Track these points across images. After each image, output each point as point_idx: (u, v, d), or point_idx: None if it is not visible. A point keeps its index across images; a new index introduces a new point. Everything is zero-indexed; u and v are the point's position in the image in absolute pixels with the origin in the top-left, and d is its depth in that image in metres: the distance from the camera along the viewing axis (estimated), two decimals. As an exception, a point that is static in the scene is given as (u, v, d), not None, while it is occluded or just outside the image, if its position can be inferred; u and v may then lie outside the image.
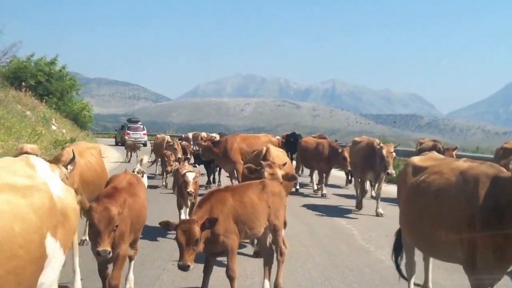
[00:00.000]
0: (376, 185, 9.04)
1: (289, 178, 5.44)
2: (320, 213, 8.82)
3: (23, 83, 23.48)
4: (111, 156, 21.36)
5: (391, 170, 8.30)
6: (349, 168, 10.92)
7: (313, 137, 13.44)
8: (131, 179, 4.34)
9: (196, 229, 3.64)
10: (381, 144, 8.65)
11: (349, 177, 12.73)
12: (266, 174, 5.07)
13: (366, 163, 8.88)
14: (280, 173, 5.16)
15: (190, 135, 19.62)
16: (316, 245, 6.41)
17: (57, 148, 16.30)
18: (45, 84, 28.14)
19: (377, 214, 8.60)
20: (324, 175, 11.40)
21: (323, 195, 10.91)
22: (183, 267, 3.53)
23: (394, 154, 8.67)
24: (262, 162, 5.35)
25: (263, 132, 19.31)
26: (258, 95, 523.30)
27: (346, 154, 10.65)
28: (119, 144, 30.31)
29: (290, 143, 13.79)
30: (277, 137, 15.62)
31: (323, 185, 11.23)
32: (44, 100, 25.67)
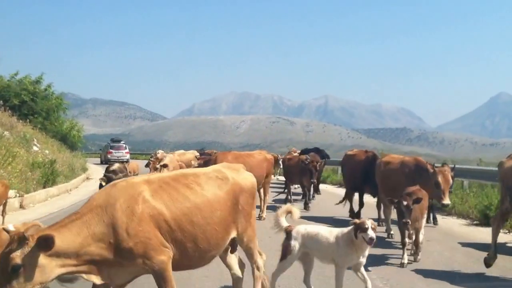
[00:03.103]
0: None
1: None
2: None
3: (1, 102, 22.28)
4: (97, 178, 20.14)
5: None
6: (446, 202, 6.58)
7: (350, 153, 10.72)
8: None
9: None
10: None
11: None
12: None
13: None
14: None
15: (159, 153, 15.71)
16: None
17: (35, 170, 14.98)
18: (29, 104, 26.97)
19: None
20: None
21: (390, 236, 7.78)
22: None
23: None
24: None
25: (258, 148, 18.03)
26: (253, 112, 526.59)
27: (440, 178, 6.53)
28: (103, 162, 32.68)
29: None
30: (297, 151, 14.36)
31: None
32: (29, 120, 24.56)
